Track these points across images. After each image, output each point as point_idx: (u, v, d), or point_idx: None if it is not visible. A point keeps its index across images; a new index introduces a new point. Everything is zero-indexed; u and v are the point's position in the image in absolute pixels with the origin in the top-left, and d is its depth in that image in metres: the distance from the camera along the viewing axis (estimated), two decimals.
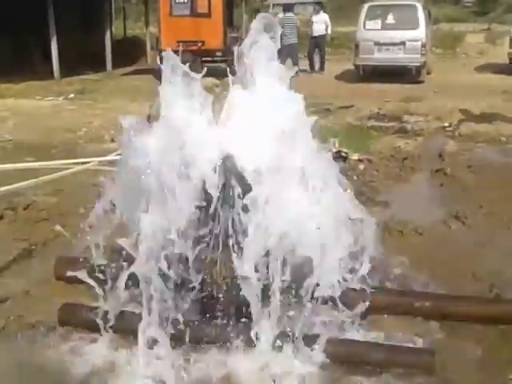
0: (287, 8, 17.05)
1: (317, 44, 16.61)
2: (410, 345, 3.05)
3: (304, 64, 16.62)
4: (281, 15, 16.78)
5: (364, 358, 2.91)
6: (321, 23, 16.56)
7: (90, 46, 18.37)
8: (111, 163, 6.93)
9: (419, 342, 3.08)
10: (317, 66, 16.87)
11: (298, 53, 16.51)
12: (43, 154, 7.39)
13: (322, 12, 17.36)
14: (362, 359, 2.91)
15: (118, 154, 7.22)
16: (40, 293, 3.67)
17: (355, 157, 6.94)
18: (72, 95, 12.79)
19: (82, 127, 9.24)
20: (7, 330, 3.27)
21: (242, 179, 2.90)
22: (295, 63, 16.39)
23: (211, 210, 2.91)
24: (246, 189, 2.89)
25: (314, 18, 16.68)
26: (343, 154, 6.84)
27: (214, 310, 3.03)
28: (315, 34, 16.45)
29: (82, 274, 3.29)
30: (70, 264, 3.90)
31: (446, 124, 8.99)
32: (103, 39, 18.26)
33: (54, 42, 15.54)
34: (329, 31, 16.94)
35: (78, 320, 3.26)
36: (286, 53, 16.26)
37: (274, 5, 26.56)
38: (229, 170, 2.90)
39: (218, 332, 2.99)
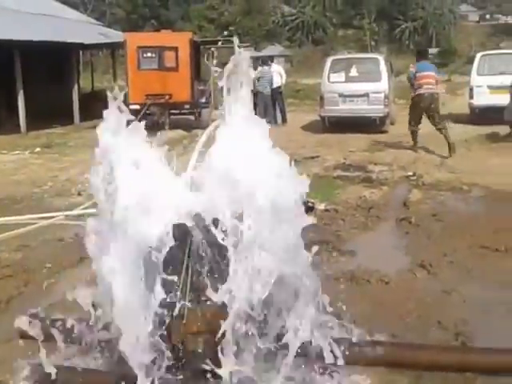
0: (264, 61, 17.39)
1: (274, 96, 16.82)
2: None
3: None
4: (257, 69, 17.07)
5: None
6: (276, 75, 16.84)
7: (57, 100, 18.41)
8: (77, 217, 6.91)
9: None
10: (279, 118, 17.03)
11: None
12: (8, 209, 7.31)
13: (274, 64, 17.66)
14: None
15: (84, 208, 7.21)
16: (2, 352, 3.58)
17: (322, 207, 7.01)
18: (38, 149, 12.75)
19: (47, 181, 9.18)
20: None
21: (211, 237, 2.90)
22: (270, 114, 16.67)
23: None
24: (213, 243, 2.90)
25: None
26: (310, 205, 6.89)
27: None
28: (274, 85, 16.68)
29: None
30: (34, 321, 3.84)
31: (410, 173, 9.16)
32: (71, 92, 18.34)
33: (20, 96, 15.56)
34: (283, 81, 17.24)
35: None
36: (263, 103, 16.51)
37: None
38: (197, 227, 2.90)
39: None
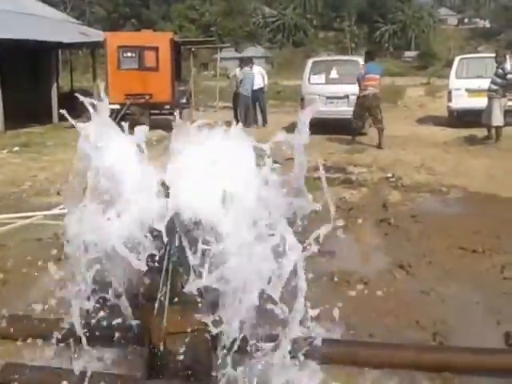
0: (246, 63, 17.35)
1: (256, 97, 16.83)
2: None
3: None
4: (238, 70, 17.11)
5: None
6: (257, 76, 16.86)
7: (36, 99, 18.24)
8: (56, 217, 6.85)
9: None
10: (260, 120, 17.05)
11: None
12: None
13: (255, 65, 17.65)
14: None
15: (63, 208, 7.15)
16: None
17: None
18: (17, 148, 12.62)
19: (26, 181, 9.10)
20: None
21: (189, 236, 2.89)
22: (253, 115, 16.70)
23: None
24: (193, 243, 2.89)
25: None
26: None
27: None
28: (255, 87, 16.72)
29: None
30: (12, 321, 3.81)
31: (389, 175, 9.22)
32: (49, 92, 18.19)
33: None
34: (266, 82, 17.29)
35: (20, 380, 3.16)
36: (244, 104, 16.51)
37: (221, 59, 27.02)
38: (176, 225, 2.89)
39: None
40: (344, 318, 3.89)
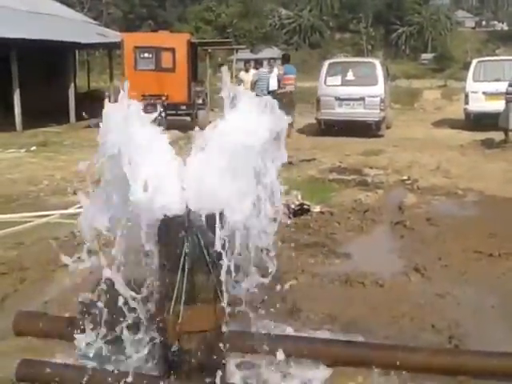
0: (260, 64, 17.32)
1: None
2: None
3: None
4: (253, 71, 17.08)
5: None
6: (273, 78, 16.81)
7: (53, 99, 18.40)
8: (73, 216, 6.90)
9: None
10: None
11: None
12: (3, 207, 7.31)
13: (275, 68, 17.65)
14: None
15: (80, 207, 7.18)
16: None
17: (317, 209, 7.03)
18: (34, 147, 12.72)
19: (43, 180, 9.17)
20: None
21: (204, 233, 2.91)
22: None
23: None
24: (209, 242, 2.90)
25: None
26: (305, 207, 6.92)
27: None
28: (270, 88, 16.68)
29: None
30: (29, 319, 3.85)
31: (405, 177, 9.19)
32: (67, 91, 18.33)
33: (16, 95, 15.53)
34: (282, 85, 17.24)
35: (36, 376, 3.19)
36: None
37: (237, 60, 27.05)
38: (192, 223, 2.90)
39: None
40: (359, 319, 3.89)
